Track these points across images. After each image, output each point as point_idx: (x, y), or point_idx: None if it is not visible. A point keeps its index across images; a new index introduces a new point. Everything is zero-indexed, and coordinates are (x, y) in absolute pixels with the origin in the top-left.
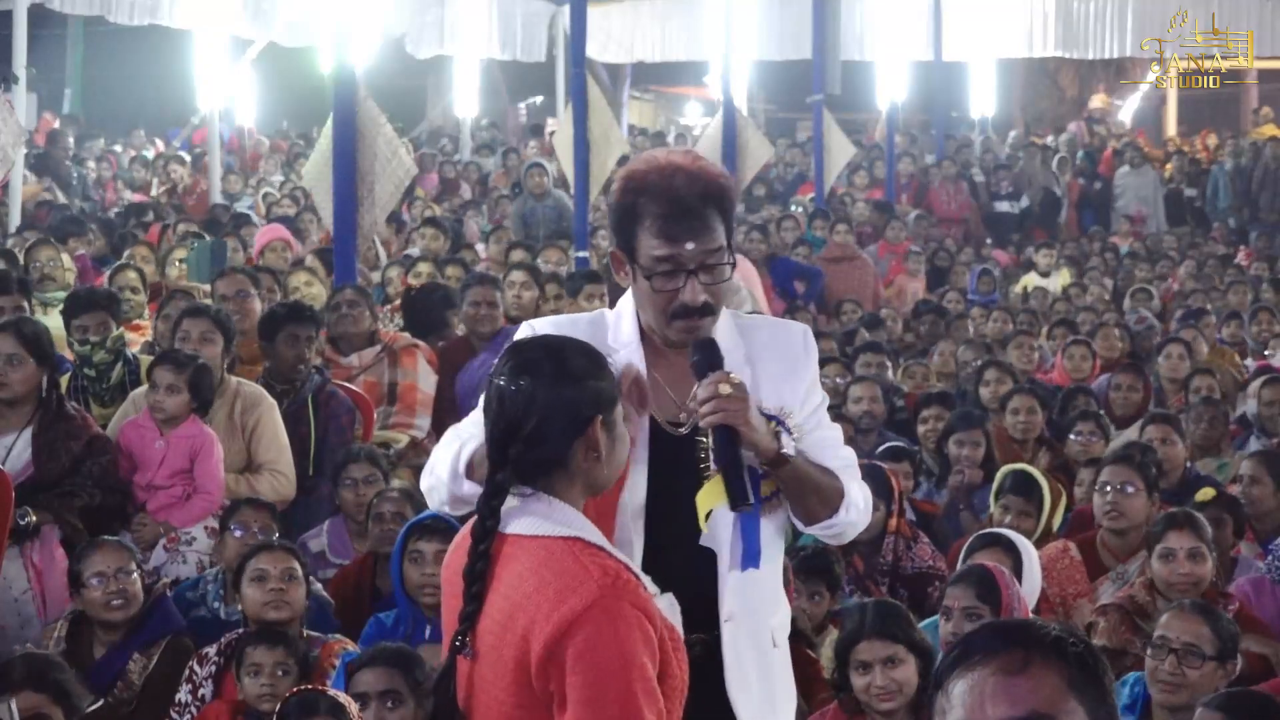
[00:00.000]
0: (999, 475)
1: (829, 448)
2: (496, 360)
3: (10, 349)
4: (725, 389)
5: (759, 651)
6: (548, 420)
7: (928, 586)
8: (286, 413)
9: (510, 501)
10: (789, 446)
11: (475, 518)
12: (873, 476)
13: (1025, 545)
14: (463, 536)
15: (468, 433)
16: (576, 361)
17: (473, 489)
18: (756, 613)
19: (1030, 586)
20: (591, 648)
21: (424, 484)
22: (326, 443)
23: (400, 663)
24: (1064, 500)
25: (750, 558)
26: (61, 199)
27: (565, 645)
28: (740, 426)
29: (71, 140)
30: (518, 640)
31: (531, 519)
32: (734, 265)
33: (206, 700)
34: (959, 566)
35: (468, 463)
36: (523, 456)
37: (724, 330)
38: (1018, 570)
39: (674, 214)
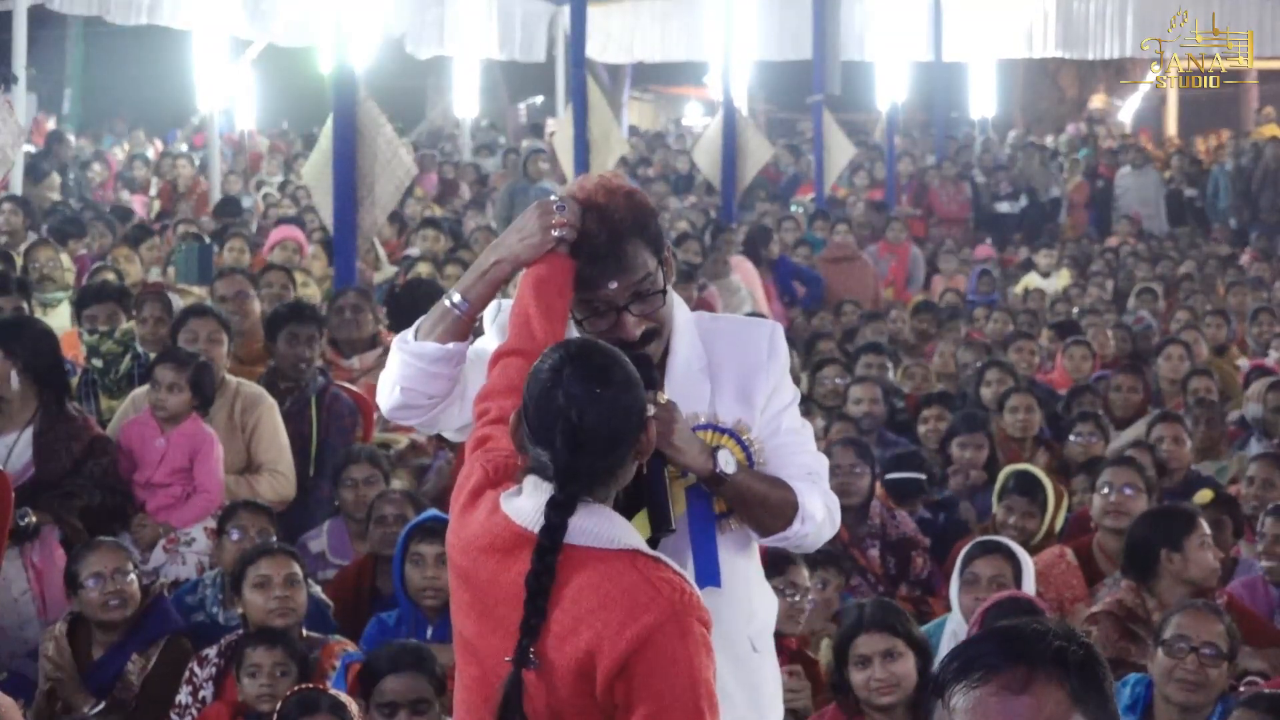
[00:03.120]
0: (1002, 476)
1: (793, 454)
2: (541, 366)
3: None
4: (649, 410)
5: (737, 661)
6: (621, 427)
7: (910, 551)
8: (289, 412)
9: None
10: (726, 465)
11: (542, 527)
12: (855, 444)
13: (1023, 554)
14: (480, 524)
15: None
16: (628, 365)
17: (424, 344)
18: (726, 623)
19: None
20: (662, 665)
21: (383, 398)
22: (328, 443)
23: (422, 665)
24: (1065, 502)
25: (708, 576)
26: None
27: (636, 662)
28: (663, 448)
29: (73, 138)
30: (580, 654)
31: (586, 529)
32: (665, 292)
33: (207, 702)
34: (956, 572)
35: (413, 332)
36: (595, 465)
37: (686, 340)
38: (1018, 578)
39: (590, 259)
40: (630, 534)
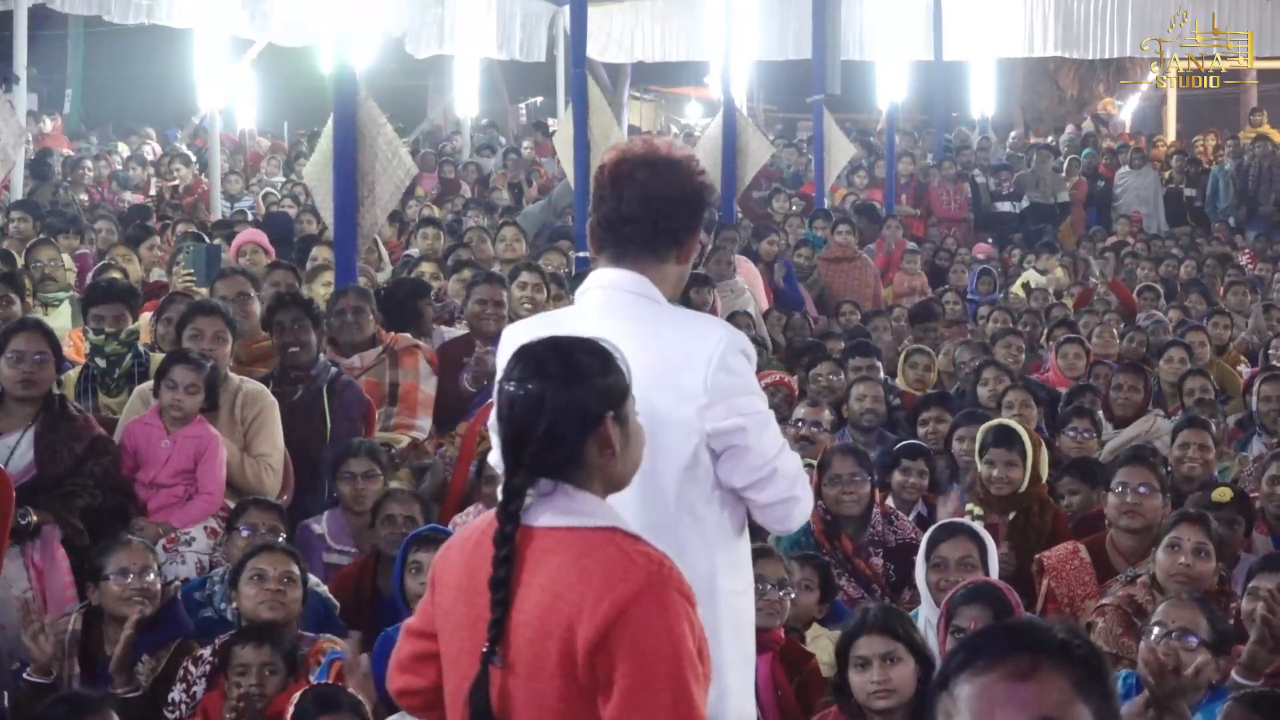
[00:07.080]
0: (980, 434)
1: None
2: (504, 364)
3: (40, 348)
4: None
5: None
6: (559, 422)
7: (912, 555)
8: (300, 402)
9: (527, 498)
10: None
11: (495, 511)
12: (854, 452)
13: (986, 535)
14: (464, 538)
15: None
16: (583, 360)
17: None
18: None
19: (991, 574)
20: (642, 635)
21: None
22: (337, 433)
23: None
24: (1044, 449)
25: None
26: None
27: (615, 633)
28: None
29: (95, 140)
30: (561, 632)
31: (557, 511)
32: None
33: (198, 699)
34: (922, 558)
35: None
36: (537, 458)
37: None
38: (984, 558)
39: None
40: (609, 514)
